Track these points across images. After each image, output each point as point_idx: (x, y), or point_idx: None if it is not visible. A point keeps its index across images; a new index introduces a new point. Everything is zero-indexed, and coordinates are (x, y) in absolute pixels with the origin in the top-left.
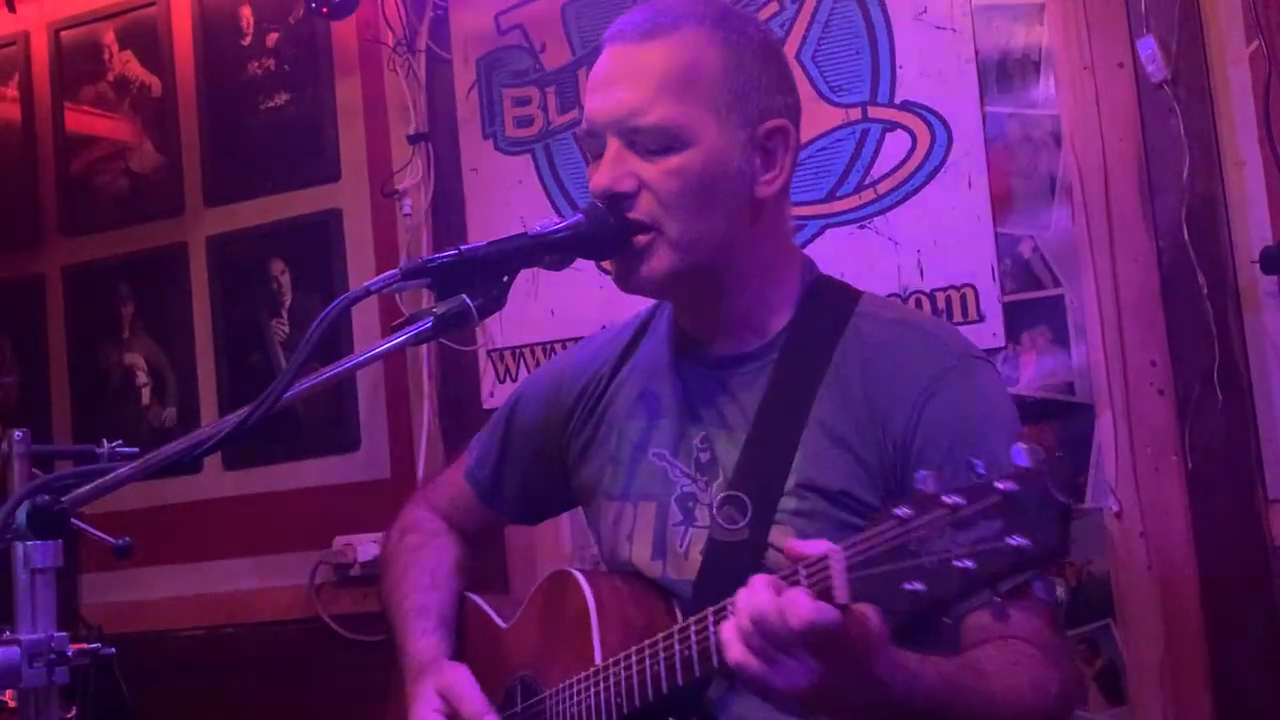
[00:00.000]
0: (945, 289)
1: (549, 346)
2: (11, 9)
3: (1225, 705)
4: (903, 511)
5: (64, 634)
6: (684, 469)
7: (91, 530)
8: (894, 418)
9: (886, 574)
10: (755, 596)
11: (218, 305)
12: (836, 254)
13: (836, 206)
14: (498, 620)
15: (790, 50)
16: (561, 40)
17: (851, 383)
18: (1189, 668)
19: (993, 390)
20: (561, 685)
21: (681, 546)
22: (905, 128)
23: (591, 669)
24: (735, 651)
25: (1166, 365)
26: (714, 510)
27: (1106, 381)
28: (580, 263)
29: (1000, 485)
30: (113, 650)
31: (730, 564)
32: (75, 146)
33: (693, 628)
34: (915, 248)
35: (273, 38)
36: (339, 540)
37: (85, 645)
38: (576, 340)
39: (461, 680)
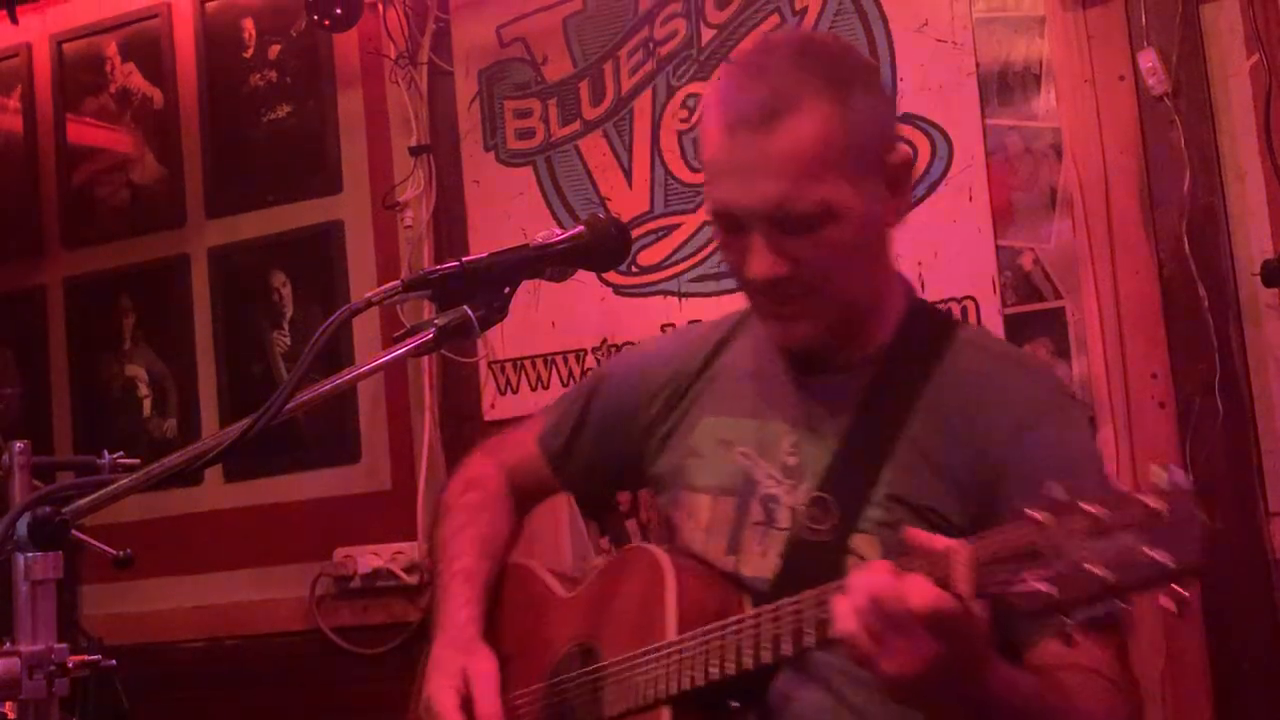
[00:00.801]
0: (946, 301)
1: (550, 358)
2: (14, 20)
3: (1226, 718)
4: (1038, 514)
5: (64, 645)
6: (770, 470)
7: (92, 542)
8: (992, 443)
9: (1014, 572)
10: (875, 576)
11: (219, 317)
12: None
13: None
14: (558, 589)
15: None
16: (563, 52)
17: (949, 404)
18: (1190, 681)
19: (1087, 432)
20: (627, 655)
21: (759, 545)
22: (906, 140)
23: (664, 641)
24: (849, 624)
25: (1167, 378)
26: (799, 509)
27: (1107, 394)
28: (582, 274)
29: (1146, 500)
30: (113, 662)
31: (810, 563)
32: (77, 158)
33: (787, 608)
34: (916, 259)
35: (275, 50)
36: (339, 552)
37: (85, 657)
38: (578, 352)
39: (487, 672)
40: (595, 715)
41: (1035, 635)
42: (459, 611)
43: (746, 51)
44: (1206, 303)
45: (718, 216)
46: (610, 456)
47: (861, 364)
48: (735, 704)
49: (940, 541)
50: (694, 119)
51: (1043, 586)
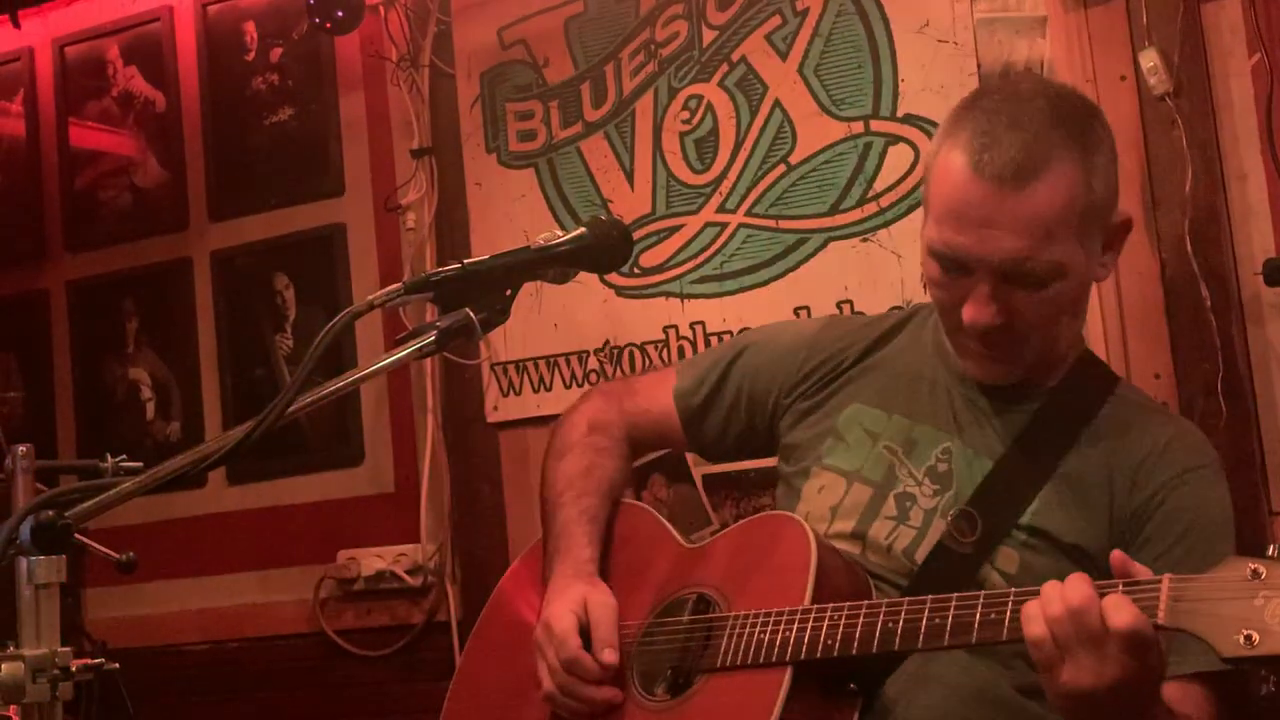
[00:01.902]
0: None
1: (552, 360)
2: (16, 24)
3: None
4: (1256, 564)
5: (68, 649)
6: (914, 470)
7: (95, 545)
8: (1140, 490)
9: (1220, 616)
10: (1076, 588)
11: (222, 320)
12: (840, 267)
13: (839, 220)
14: (679, 538)
15: (792, 64)
16: (564, 55)
17: (1107, 447)
18: None
19: (1228, 502)
20: (754, 612)
21: (886, 539)
22: (908, 141)
23: (798, 607)
24: (1037, 628)
25: (1170, 378)
26: (947, 518)
27: None
28: (584, 276)
29: None
30: (116, 665)
31: (949, 571)
32: (80, 162)
33: (958, 603)
34: (919, 261)
35: (277, 53)
36: (343, 554)
37: (89, 660)
38: (580, 354)
39: (608, 603)
40: (705, 662)
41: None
42: (583, 549)
43: (999, 95)
44: (1209, 303)
45: (945, 258)
46: (744, 422)
47: (1030, 397)
48: (854, 687)
49: (1142, 570)
50: (926, 156)
51: (1252, 635)
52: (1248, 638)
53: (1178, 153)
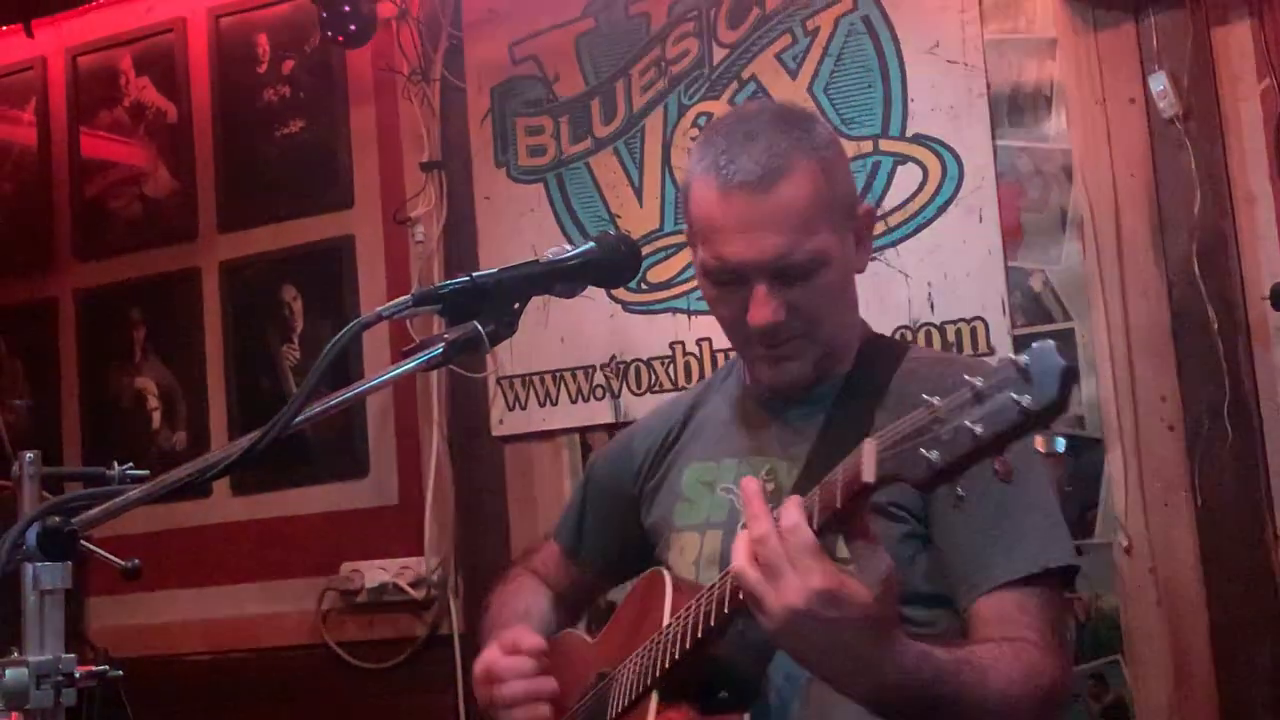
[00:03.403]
0: (956, 322)
1: (559, 374)
2: (29, 34)
3: None
4: (932, 398)
5: (72, 655)
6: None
7: (100, 552)
8: None
9: (910, 449)
10: (757, 515)
11: (229, 330)
12: None
13: None
14: (587, 638)
15: (802, 83)
16: (575, 71)
17: (896, 409)
18: (1198, 704)
19: None
20: (627, 660)
21: None
22: (916, 161)
23: (654, 636)
24: (738, 559)
25: (1177, 401)
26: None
27: (1116, 416)
28: (591, 290)
29: (1015, 359)
30: (120, 672)
31: None
32: (90, 171)
33: (719, 577)
34: (926, 280)
35: (288, 65)
36: (346, 566)
37: (92, 667)
38: (587, 368)
39: (523, 628)
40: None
41: (973, 593)
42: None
43: (728, 119)
44: (1216, 325)
45: (716, 271)
46: (616, 533)
47: (826, 391)
48: (724, 694)
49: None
50: (682, 186)
51: (927, 453)
52: (928, 461)
53: (1186, 176)
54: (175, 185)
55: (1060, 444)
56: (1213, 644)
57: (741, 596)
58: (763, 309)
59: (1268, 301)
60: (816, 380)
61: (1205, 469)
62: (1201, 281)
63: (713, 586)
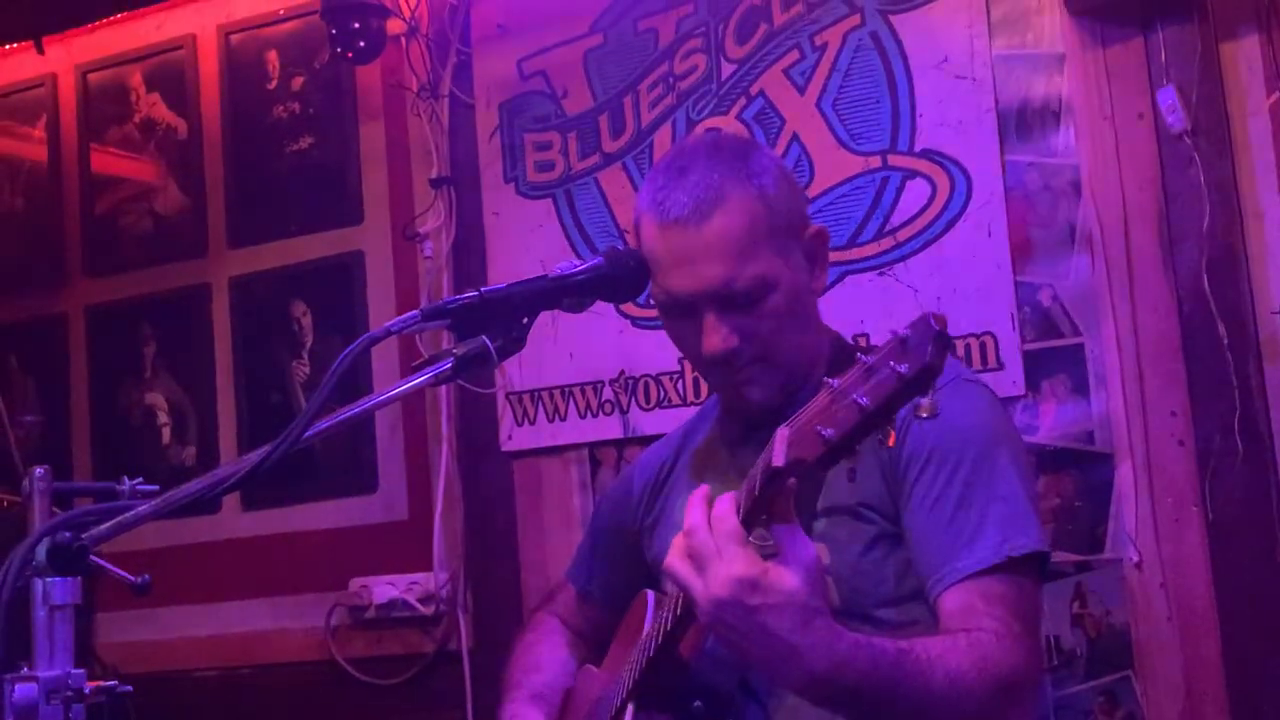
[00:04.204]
0: (965, 337)
1: (568, 390)
2: (40, 51)
3: None
4: (834, 380)
5: (81, 671)
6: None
7: (111, 567)
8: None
9: (810, 429)
10: (698, 511)
11: (239, 346)
12: (856, 301)
13: (856, 254)
14: (595, 670)
15: (811, 98)
16: (583, 86)
17: None
18: None
19: (971, 409)
20: (617, 680)
21: None
22: (925, 176)
23: (633, 649)
24: (670, 555)
25: (1187, 416)
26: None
27: (1126, 431)
28: (599, 305)
29: (897, 332)
30: (130, 688)
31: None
32: (101, 187)
33: None
34: (935, 295)
35: (298, 82)
36: (355, 582)
37: (102, 683)
38: (595, 384)
39: (521, 712)
40: None
41: (938, 587)
42: (501, 711)
43: (667, 156)
44: (1226, 340)
45: (668, 307)
46: (624, 571)
47: (797, 406)
48: (698, 704)
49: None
50: (632, 224)
51: (822, 431)
52: (822, 438)
53: (1195, 190)
54: (185, 201)
55: (927, 406)
56: (1224, 659)
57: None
58: (712, 337)
59: (1278, 316)
60: (788, 402)
61: (1216, 484)
62: (1211, 296)
63: (677, 594)
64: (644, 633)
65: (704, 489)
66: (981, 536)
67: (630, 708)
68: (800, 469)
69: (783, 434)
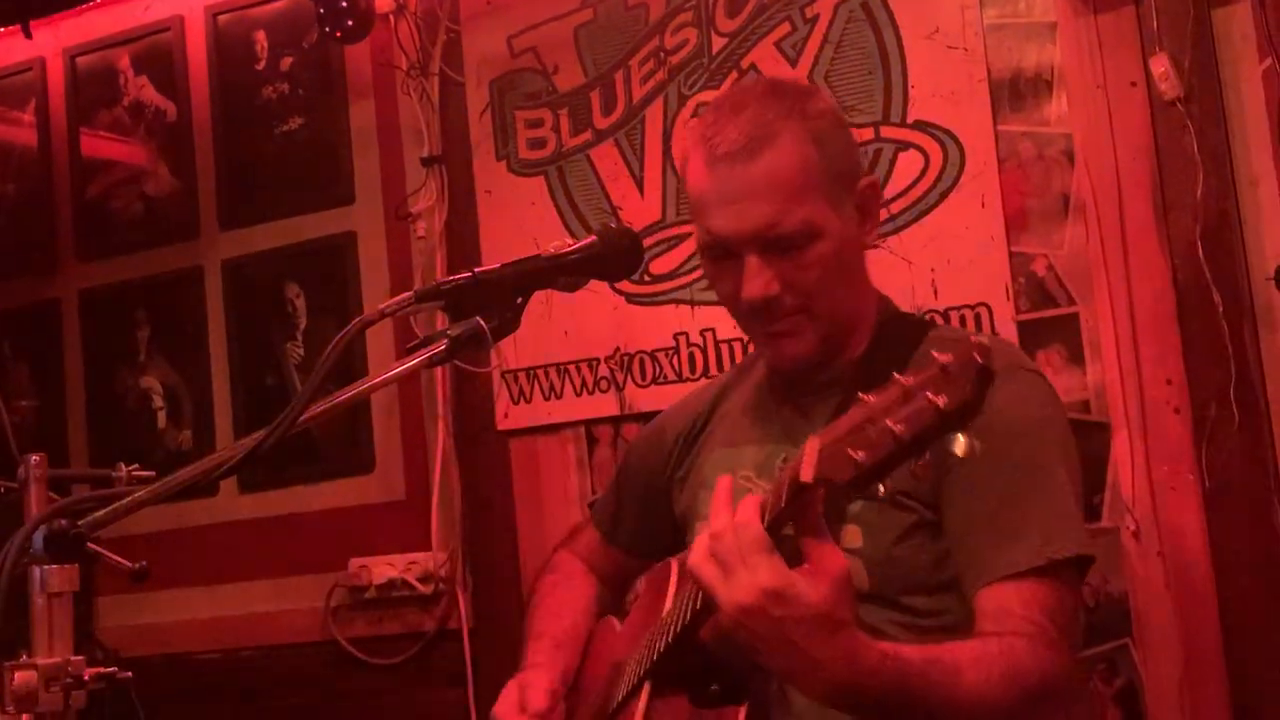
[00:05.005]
0: (959, 308)
1: (563, 368)
2: (28, 35)
3: None
4: (866, 395)
5: (80, 658)
6: (765, 488)
7: (108, 554)
8: None
9: (840, 449)
10: (724, 511)
11: (233, 329)
12: None
13: None
14: (617, 626)
15: (802, 71)
16: (574, 62)
17: None
18: (1208, 687)
19: (1024, 402)
20: (635, 653)
21: None
22: (918, 147)
23: (652, 626)
24: (694, 554)
25: (1182, 384)
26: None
27: (1122, 400)
28: (594, 284)
29: (938, 356)
30: (129, 674)
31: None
32: (91, 171)
33: None
34: (929, 267)
35: (287, 62)
36: (354, 563)
37: (102, 669)
38: (591, 361)
39: (533, 678)
40: (609, 712)
41: (976, 584)
42: (525, 660)
43: (723, 95)
44: (1221, 308)
45: (709, 247)
46: (651, 515)
47: (840, 374)
48: (715, 688)
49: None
50: (678, 162)
51: (857, 455)
52: (854, 462)
53: (1189, 158)
54: (176, 184)
55: (963, 444)
56: (1222, 626)
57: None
58: (753, 282)
59: (1272, 282)
60: (825, 359)
61: (1212, 451)
62: (1205, 263)
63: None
64: (664, 611)
65: (728, 482)
66: (1024, 536)
67: (646, 686)
68: (828, 487)
69: (813, 446)
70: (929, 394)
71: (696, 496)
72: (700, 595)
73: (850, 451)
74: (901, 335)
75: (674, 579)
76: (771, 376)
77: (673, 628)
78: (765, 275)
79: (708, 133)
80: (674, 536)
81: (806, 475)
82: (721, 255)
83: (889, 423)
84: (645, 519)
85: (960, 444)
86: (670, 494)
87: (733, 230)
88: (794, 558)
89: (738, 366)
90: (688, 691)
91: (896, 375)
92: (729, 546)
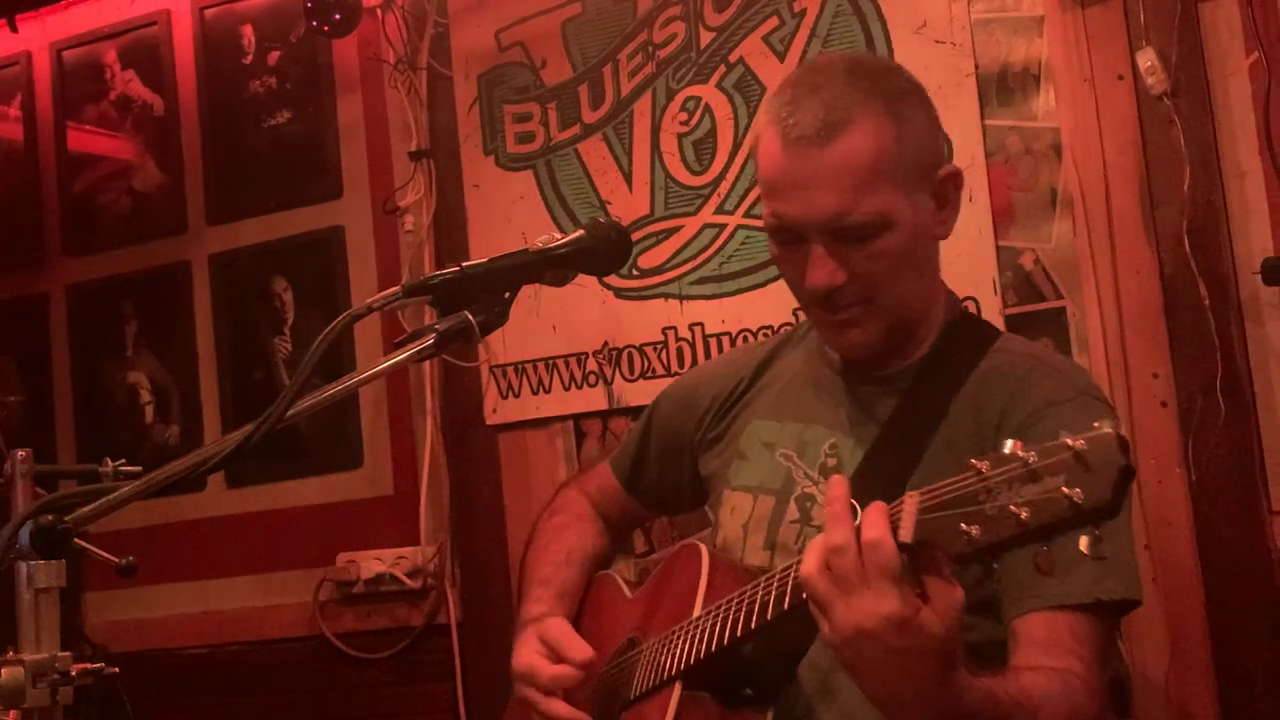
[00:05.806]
0: None
1: (551, 362)
2: (14, 29)
3: (1232, 718)
4: (980, 463)
5: (68, 654)
6: (808, 471)
7: (95, 549)
8: (1004, 435)
9: (951, 517)
10: (837, 523)
11: (220, 323)
12: None
13: None
14: (626, 591)
15: (790, 65)
16: (561, 57)
17: (975, 405)
18: (1195, 679)
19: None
20: (656, 639)
21: (795, 543)
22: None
23: (685, 620)
24: (808, 564)
25: (1169, 377)
26: None
27: (1109, 393)
28: (582, 278)
29: (1071, 442)
30: (116, 670)
31: None
32: (78, 166)
33: (778, 573)
34: None
35: (274, 56)
36: (342, 557)
37: (89, 665)
38: (579, 355)
39: (562, 627)
40: (624, 698)
41: (1022, 606)
42: (529, 608)
43: (799, 71)
44: (1208, 302)
45: (777, 231)
46: (674, 468)
47: (904, 372)
48: (749, 691)
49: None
50: (750, 140)
51: (967, 528)
52: (968, 537)
53: (1176, 152)
54: (163, 179)
55: (1089, 544)
56: (1208, 620)
57: (805, 599)
58: (818, 271)
59: (1259, 276)
60: (889, 350)
61: (1199, 445)
62: (1192, 257)
63: (759, 583)
64: (699, 603)
65: (844, 485)
66: (1078, 569)
67: (678, 687)
68: (926, 547)
69: (912, 506)
70: (1063, 486)
71: (729, 464)
72: (780, 602)
73: (964, 525)
74: (967, 340)
75: (705, 573)
76: (827, 355)
77: (725, 631)
78: (831, 264)
79: (782, 113)
80: (693, 494)
81: (906, 536)
82: (788, 240)
83: (1012, 506)
84: (667, 475)
85: (1085, 543)
86: (697, 454)
87: (801, 217)
88: None
89: (783, 335)
90: (718, 692)
91: (1019, 452)
92: (852, 565)
